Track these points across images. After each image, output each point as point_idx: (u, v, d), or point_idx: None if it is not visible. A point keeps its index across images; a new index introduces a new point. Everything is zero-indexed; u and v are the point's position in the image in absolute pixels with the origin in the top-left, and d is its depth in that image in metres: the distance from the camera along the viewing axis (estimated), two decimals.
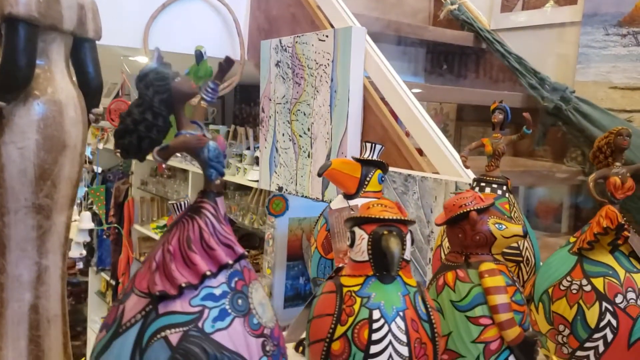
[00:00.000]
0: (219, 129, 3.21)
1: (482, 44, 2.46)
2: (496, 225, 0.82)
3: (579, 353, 0.91)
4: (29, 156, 0.62)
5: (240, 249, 0.55)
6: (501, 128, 1.20)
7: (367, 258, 0.69)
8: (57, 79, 0.64)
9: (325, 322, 0.67)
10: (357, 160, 1.01)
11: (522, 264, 1.13)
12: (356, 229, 0.70)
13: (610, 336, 0.89)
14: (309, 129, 1.88)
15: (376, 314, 0.65)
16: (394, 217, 0.69)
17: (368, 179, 0.98)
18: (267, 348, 0.54)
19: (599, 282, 0.90)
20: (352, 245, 0.70)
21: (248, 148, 2.71)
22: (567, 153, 2.17)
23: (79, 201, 2.06)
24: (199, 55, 2.03)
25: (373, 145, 1.01)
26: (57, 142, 0.64)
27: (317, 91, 1.83)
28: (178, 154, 0.60)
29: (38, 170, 0.63)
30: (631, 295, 0.89)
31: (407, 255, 0.71)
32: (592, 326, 0.90)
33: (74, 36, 0.67)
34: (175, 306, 0.51)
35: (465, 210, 0.81)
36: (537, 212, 2.34)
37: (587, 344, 0.90)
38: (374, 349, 0.64)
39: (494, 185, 1.17)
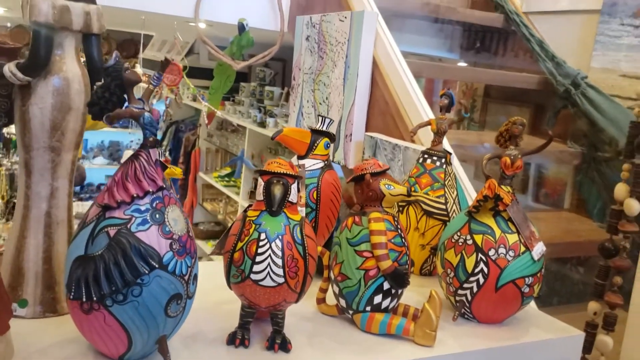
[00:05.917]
0: (274, 90, 3.52)
1: (511, 26, 2.62)
2: (386, 185, 1.08)
3: (460, 292, 1.16)
4: (46, 114, 0.94)
5: (160, 183, 0.85)
6: (447, 111, 1.43)
7: (262, 198, 0.97)
8: (67, 63, 0.96)
9: (232, 239, 0.97)
10: (311, 129, 1.28)
11: (447, 223, 1.37)
12: (259, 178, 0.98)
13: (482, 280, 1.13)
14: (327, 98, 2.15)
15: (262, 236, 0.94)
16: (282, 171, 0.97)
17: (316, 144, 1.25)
18: (174, 246, 0.84)
19: (478, 238, 1.15)
20: (255, 188, 0.98)
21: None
22: (571, 135, 2.33)
23: None
24: (241, 27, 2.33)
25: (323, 118, 1.28)
26: (65, 105, 0.96)
27: (335, 65, 2.09)
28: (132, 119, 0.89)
29: (52, 124, 0.96)
30: (502, 250, 1.13)
31: (293, 198, 0.99)
32: (469, 271, 1.14)
33: (82, 33, 0.98)
34: (115, 213, 0.83)
35: (362, 173, 1.08)
36: (545, 188, 2.52)
37: (465, 285, 1.15)
38: (258, 258, 0.93)
39: (434, 158, 1.41)
